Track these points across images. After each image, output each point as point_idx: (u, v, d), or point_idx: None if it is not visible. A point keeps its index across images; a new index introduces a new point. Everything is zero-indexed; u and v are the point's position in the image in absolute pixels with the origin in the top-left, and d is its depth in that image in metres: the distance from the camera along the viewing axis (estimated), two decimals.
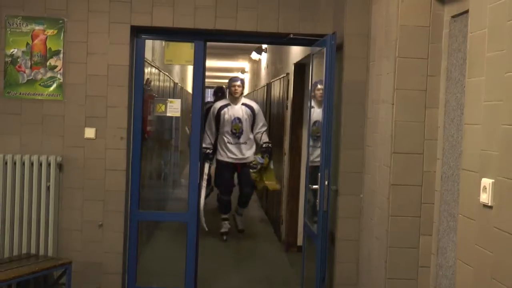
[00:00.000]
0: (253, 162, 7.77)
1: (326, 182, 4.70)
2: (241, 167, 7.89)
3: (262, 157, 7.76)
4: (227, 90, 8.34)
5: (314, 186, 4.93)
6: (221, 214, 8.17)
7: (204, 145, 7.00)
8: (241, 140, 7.79)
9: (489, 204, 2.48)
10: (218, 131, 7.87)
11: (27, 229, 5.04)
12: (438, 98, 3.70)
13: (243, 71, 18.73)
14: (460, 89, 3.40)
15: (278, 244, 7.93)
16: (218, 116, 7.85)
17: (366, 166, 4.54)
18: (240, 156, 7.82)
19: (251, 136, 7.84)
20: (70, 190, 5.13)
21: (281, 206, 7.99)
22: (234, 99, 7.90)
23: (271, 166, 7.89)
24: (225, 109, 7.84)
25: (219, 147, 7.89)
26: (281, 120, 8.36)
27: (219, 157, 7.88)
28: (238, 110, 7.81)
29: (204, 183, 7.08)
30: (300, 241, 6.91)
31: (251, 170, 7.82)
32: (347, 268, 4.81)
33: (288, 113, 7.80)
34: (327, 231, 4.77)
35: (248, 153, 7.84)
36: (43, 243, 5.05)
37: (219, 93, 9.63)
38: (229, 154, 7.82)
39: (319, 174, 4.79)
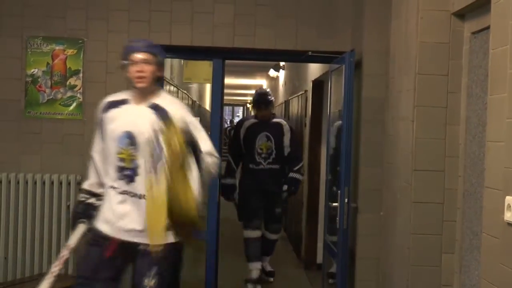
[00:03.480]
0: None
1: (346, 200, 4.68)
2: None
3: None
4: None
5: (334, 204, 4.91)
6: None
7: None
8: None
9: None
10: None
11: (47, 248, 5.05)
12: (459, 115, 3.67)
13: (260, 88, 18.78)
14: (481, 106, 3.37)
15: (298, 262, 7.88)
16: None
17: (386, 184, 4.50)
18: None
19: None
20: None
21: (301, 224, 7.95)
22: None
23: None
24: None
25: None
26: (299, 138, 8.35)
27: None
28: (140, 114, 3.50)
29: (59, 263, 3.49)
30: (319, 259, 6.86)
31: None
32: (368, 286, 4.76)
33: (307, 130, 7.78)
34: (347, 249, 4.73)
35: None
36: None
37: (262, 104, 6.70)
38: None
39: (338, 191, 4.77)
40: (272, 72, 12.50)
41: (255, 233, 6.57)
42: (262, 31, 5.18)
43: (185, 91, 8.82)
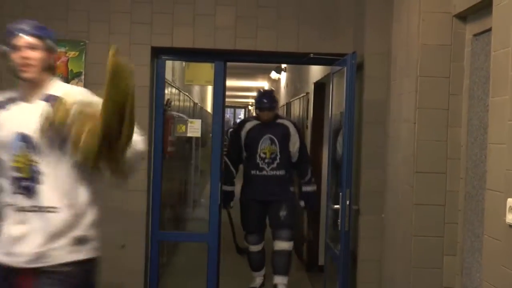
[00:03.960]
0: None
1: (348, 202, 4.67)
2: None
3: None
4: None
5: (336, 206, 4.90)
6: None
7: None
8: None
9: None
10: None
11: None
12: (461, 117, 3.67)
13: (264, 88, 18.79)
14: (482, 108, 3.37)
15: (299, 264, 7.87)
16: None
17: (387, 186, 4.50)
18: None
19: None
20: None
21: (303, 225, 7.94)
22: None
23: None
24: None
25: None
26: (301, 140, 8.33)
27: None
28: None
29: None
30: (321, 261, 6.86)
31: None
32: None
33: (308, 132, 7.78)
34: (348, 251, 4.73)
35: None
36: None
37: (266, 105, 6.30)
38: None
39: (340, 194, 4.76)
40: (273, 74, 12.51)
41: (256, 247, 6.27)
42: (263, 33, 5.18)
43: (186, 93, 8.83)
